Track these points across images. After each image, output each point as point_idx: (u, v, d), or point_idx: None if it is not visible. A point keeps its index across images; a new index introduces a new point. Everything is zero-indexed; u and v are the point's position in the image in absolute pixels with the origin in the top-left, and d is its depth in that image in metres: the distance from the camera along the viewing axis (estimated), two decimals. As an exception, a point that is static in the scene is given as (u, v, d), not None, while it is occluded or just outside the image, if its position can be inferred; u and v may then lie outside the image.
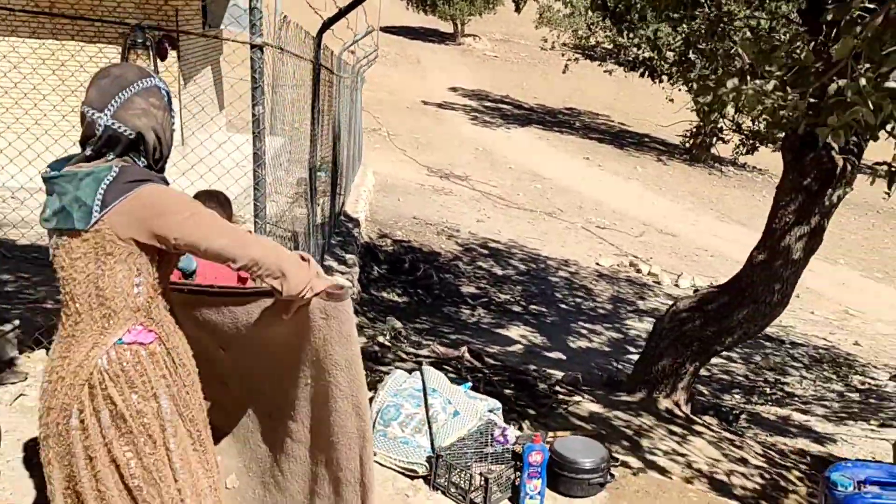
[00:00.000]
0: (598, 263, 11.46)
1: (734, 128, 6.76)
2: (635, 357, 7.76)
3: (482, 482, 3.05)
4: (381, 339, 5.74)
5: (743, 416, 5.85)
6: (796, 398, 6.92)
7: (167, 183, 1.81)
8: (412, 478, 3.14)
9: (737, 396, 6.83)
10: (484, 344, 6.78)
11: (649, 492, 3.21)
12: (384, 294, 8.15)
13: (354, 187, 12.05)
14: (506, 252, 11.30)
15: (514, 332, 7.78)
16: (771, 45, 3.94)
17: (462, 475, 3.07)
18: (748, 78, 4.43)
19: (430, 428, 3.27)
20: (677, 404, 5.11)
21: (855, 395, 7.12)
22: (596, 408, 4.92)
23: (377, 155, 17.20)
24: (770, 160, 21.46)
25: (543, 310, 8.87)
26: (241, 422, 2.37)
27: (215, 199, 2.79)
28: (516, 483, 3.13)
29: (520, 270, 10.44)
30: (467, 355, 5.38)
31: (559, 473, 3.13)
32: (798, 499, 4.14)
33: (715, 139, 6.84)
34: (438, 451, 3.11)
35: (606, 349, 7.86)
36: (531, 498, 3.05)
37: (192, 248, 1.73)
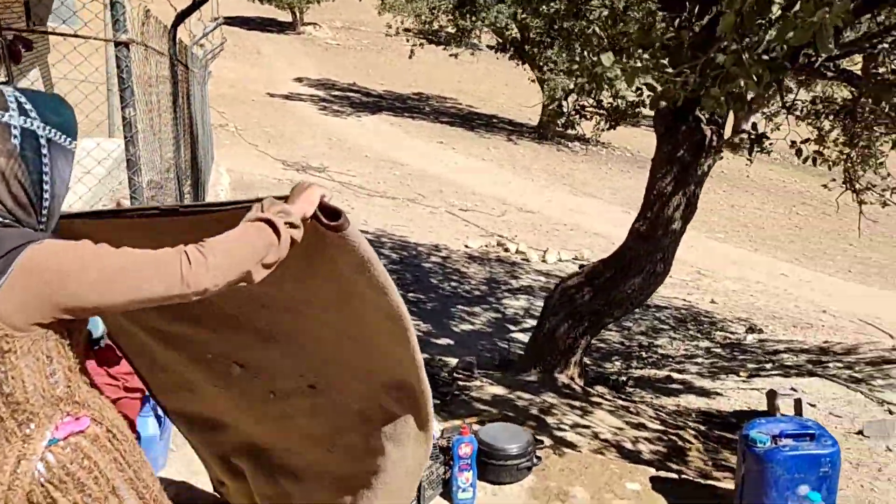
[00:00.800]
0: (466, 246, 11.58)
1: (596, 105, 6.96)
2: (518, 335, 7.91)
3: (412, 482, 2.96)
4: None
5: (629, 381, 6.11)
6: (670, 359, 7.32)
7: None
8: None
9: (617, 363, 7.13)
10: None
11: (573, 469, 3.25)
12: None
13: (211, 187, 11.46)
14: (376, 242, 11.17)
15: (398, 322, 7.69)
16: (648, 24, 4.07)
17: (392, 477, 2.96)
18: (623, 56, 4.55)
19: (351, 433, 3.13)
20: (573, 378, 5.24)
21: (721, 351, 7.63)
22: (497, 390, 4.94)
23: (228, 152, 16.50)
24: (612, 135, 22.68)
25: (422, 297, 8.84)
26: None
27: None
28: (446, 477, 3.07)
29: (392, 259, 10.35)
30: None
31: (487, 462, 3.10)
32: (697, 455, 4.35)
33: (579, 117, 7.03)
34: (364, 457, 2.99)
35: (489, 330, 7.95)
36: (464, 491, 3.00)
37: (120, 307, 1.36)
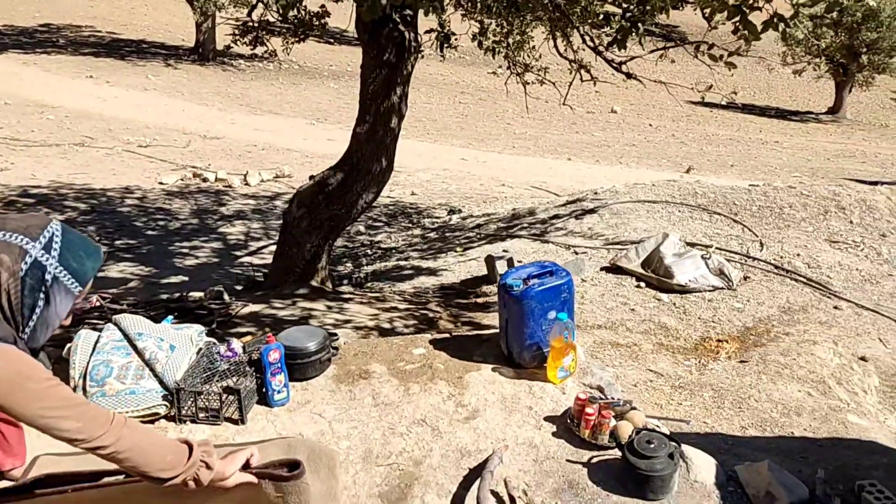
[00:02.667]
0: (161, 183, 11.03)
1: (281, 20, 7.02)
2: (247, 259, 7.98)
3: (230, 397, 3.11)
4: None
5: (367, 277, 6.60)
6: (394, 250, 7.96)
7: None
8: (153, 421, 3.05)
9: (348, 265, 7.58)
10: (97, 291, 6.27)
11: (366, 352, 3.63)
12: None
13: None
14: (55, 196, 10.15)
15: (117, 270, 7.28)
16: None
17: (209, 398, 3.09)
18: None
19: (153, 370, 3.16)
20: (323, 283, 5.55)
21: (433, 234, 8.46)
22: (256, 309, 5.09)
23: None
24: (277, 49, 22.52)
25: (132, 242, 8.39)
26: None
27: None
28: (258, 385, 3.26)
29: (83, 210, 9.55)
30: (105, 303, 5.00)
31: (293, 363, 3.34)
32: (446, 320, 5.01)
33: (267, 33, 7.03)
34: (177, 385, 3.06)
35: (216, 259, 7.88)
36: (279, 392, 3.22)
37: (31, 423, 1.52)
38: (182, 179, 11.26)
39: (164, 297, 5.97)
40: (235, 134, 14.82)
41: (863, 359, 4.71)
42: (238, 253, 8.07)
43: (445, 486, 2.90)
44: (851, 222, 7.24)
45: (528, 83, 7.84)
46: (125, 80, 19.54)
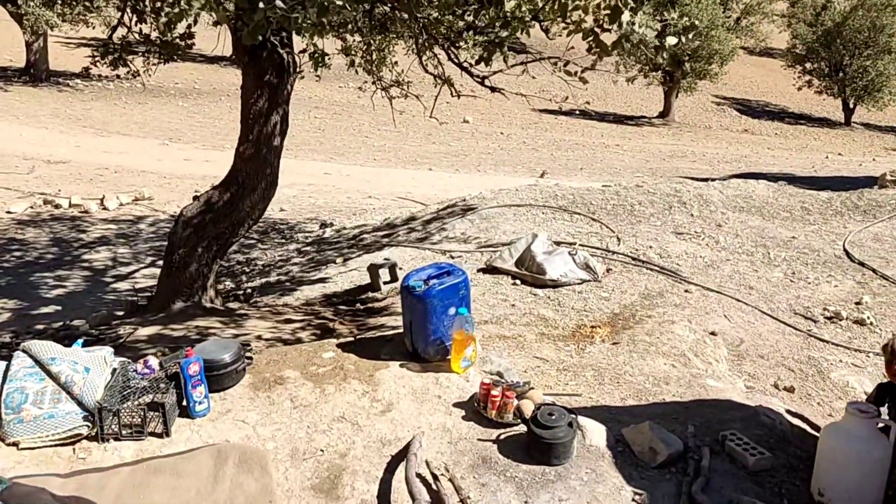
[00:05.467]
0: (9, 212, 10.40)
1: (144, 40, 6.93)
2: (120, 284, 7.76)
3: (152, 412, 3.19)
4: None
5: (253, 292, 6.64)
6: (271, 266, 8.00)
7: None
8: (74, 443, 3.09)
9: (228, 283, 7.55)
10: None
11: (277, 360, 3.79)
12: None
13: None
14: None
15: (-21, 307, 6.89)
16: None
17: (133, 414, 3.15)
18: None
19: (70, 392, 3.18)
20: (213, 301, 5.58)
21: (310, 248, 8.57)
22: (149, 331, 5.06)
23: None
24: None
25: (-14, 275, 7.93)
26: None
27: None
28: (178, 399, 3.35)
29: (-79, 245, 8.89)
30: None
31: (209, 375, 3.45)
32: (343, 326, 5.21)
33: (129, 55, 6.90)
34: (99, 405, 3.11)
35: (86, 287, 7.60)
36: (200, 403, 3.34)
37: None
38: (32, 207, 10.66)
39: (40, 327, 5.77)
40: (82, 157, 14.14)
41: (713, 333, 5.38)
42: (108, 279, 7.82)
43: (372, 472, 3.14)
44: (692, 215, 8.10)
45: (394, 98, 8.13)
46: (-51, 105, 18.12)
